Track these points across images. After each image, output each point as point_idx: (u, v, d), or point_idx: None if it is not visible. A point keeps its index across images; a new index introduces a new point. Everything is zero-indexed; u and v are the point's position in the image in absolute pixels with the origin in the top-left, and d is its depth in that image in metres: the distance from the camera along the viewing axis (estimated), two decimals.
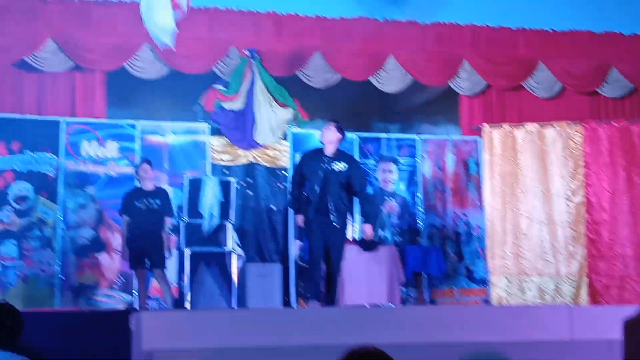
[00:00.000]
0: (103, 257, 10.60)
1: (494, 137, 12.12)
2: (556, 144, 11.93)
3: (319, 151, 8.39)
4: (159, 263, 9.34)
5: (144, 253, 9.33)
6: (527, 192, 11.92)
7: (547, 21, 12.57)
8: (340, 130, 8.36)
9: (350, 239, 11.08)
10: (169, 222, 9.55)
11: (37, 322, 6.44)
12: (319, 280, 8.18)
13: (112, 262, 10.60)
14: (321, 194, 8.09)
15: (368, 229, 8.32)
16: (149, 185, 9.56)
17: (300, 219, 8.24)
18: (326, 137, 8.33)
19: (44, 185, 10.52)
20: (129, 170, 10.74)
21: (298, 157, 8.60)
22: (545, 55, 12.61)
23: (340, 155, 8.34)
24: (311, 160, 8.32)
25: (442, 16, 12.30)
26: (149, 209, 9.40)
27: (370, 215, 8.83)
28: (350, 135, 11.96)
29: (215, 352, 5.46)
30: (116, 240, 10.49)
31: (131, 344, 5.67)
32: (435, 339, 6.11)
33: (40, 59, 10.86)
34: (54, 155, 10.59)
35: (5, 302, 4.50)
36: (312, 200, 8.11)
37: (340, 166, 8.20)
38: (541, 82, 12.64)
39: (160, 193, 9.67)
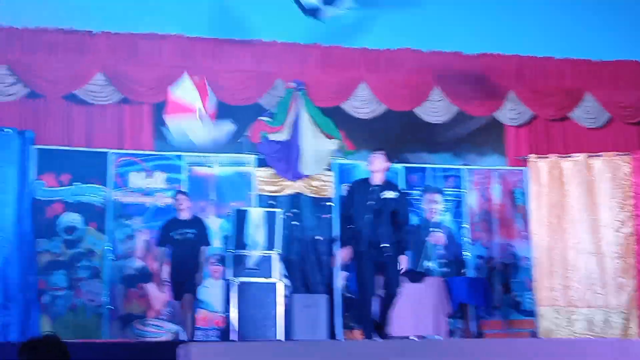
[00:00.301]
0: (150, 288, 10.68)
1: (540, 167, 12.04)
2: (604, 174, 11.82)
3: (367, 181, 8.36)
4: (190, 289, 9.59)
5: (184, 282, 9.51)
6: (575, 223, 11.80)
7: (593, 51, 12.49)
8: (389, 158, 8.37)
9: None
10: (204, 251, 9.76)
11: (85, 353, 6.50)
12: (370, 315, 8.10)
13: (159, 293, 10.67)
14: (373, 224, 8.03)
15: (404, 260, 8.26)
16: (185, 215, 9.82)
17: (346, 253, 8.17)
18: (375, 165, 8.30)
19: (93, 216, 10.64)
20: None
21: (345, 188, 8.71)
22: (592, 85, 12.54)
23: (388, 184, 8.34)
24: (360, 189, 8.27)
25: (487, 47, 12.28)
26: (184, 239, 9.64)
27: (409, 247, 8.76)
28: (396, 165, 11.97)
29: None
30: (163, 270, 10.56)
31: None
32: None
33: (89, 92, 11.02)
34: (102, 187, 10.72)
35: (53, 334, 4.49)
36: (362, 231, 8.04)
37: (391, 194, 8.18)
38: (588, 112, 12.56)
39: (196, 222, 9.88)
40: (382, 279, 8.13)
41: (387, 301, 8.13)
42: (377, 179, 8.27)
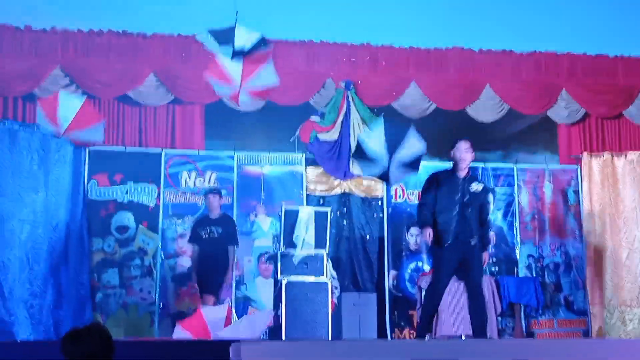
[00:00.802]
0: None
1: (593, 165, 11.92)
2: None
3: (452, 172, 7.87)
4: (214, 290, 9.57)
5: (209, 281, 9.58)
6: (628, 221, 11.66)
7: None
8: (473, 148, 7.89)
9: None
10: (232, 250, 9.75)
11: (136, 351, 6.57)
12: (434, 314, 7.94)
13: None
14: (460, 217, 7.63)
15: (486, 257, 7.89)
16: (215, 214, 9.83)
17: (429, 233, 7.61)
18: (463, 156, 7.80)
19: (145, 215, 10.79)
20: (227, 200, 10.95)
21: (424, 180, 8.06)
22: None
23: (473, 176, 7.96)
24: (445, 181, 7.81)
25: (539, 45, 12.19)
26: (210, 238, 9.67)
27: (490, 243, 8.22)
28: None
29: None
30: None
31: None
32: None
33: (141, 93, 11.17)
34: (154, 186, 10.86)
35: (96, 323, 4.43)
36: (449, 224, 7.63)
37: (478, 187, 7.78)
38: None
39: (224, 221, 9.86)
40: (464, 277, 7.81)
41: (478, 300, 7.72)
42: (464, 171, 7.80)
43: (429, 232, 7.60)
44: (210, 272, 9.60)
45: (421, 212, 7.81)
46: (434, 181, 7.91)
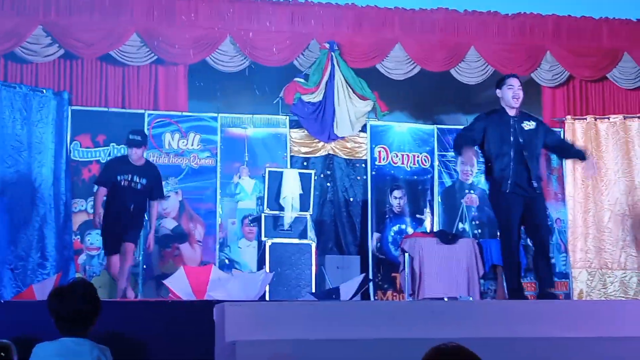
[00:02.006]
0: (185, 248, 10.77)
1: (576, 129, 11.94)
2: None
3: (501, 112, 7.23)
4: (132, 238, 8.98)
5: (120, 234, 8.94)
6: (610, 184, 11.72)
7: (631, 11, 12.32)
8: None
9: (428, 232, 11.09)
10: (155, 205, 9.18)
11: (120, 312, 6.58)
12: (519, 269, 7.31)
13: (193, 253, 10.77)
14: (516, 162, 7.03)
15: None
16: (138, 162, 9.03)
17: (470, 153, 6.99)
18: (516, 93, 7.18)
19: None
20: (211, 162, 10.94)
21: (474, 118, 7.40)
22: (630, 46, 12.37)
23: (523, 114, 7.29)
24: (495, 122, 7.16)
25: (524, 6, 12.16)
26: (130, 187, 8.94)
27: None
28: (430, 127, 11.95)
29: (295, 343, 5.51)
30: (198, 231, 10.70)
31: (214, 335, 5.76)
32: (514, 334, 6.05)
33: (124, 53, 11.08)
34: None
35: (81, 279, 4.35)
36: (505, 170, 7.03)
37: (531, 125, 7.17)
38: (625, 73, 12.40)
39: (148, 171, 9.11)
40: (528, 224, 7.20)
41: (545, 253, 7.22)
42: (514, 110, 7.19)
43: (470, 153, 7.01)
44: (126, 224, 8.94)
45: (459, 137, 7.27)
46: (482, 120, 7.27)
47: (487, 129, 7.16)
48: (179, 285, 8.55)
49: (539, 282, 7.33)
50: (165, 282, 8.87)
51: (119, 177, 8.90)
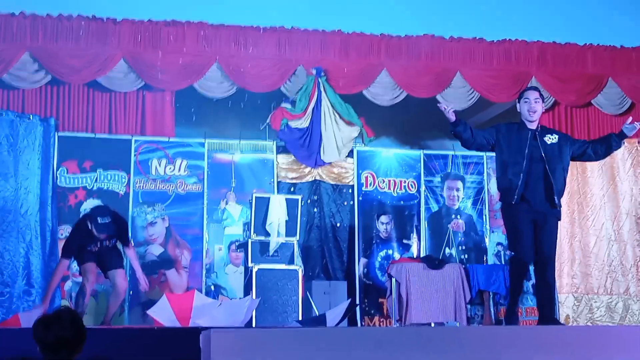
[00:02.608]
0: (171, 274, 10.75)
1: None
2: (626, 161, 11.78)
3: (520, 124, 7.09)
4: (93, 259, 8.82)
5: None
6: (596, 210, 11.77)
7: (615, 37, 12.44)
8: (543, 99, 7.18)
9: (415, 257, 11.10)
10: (129, 250, 9.03)
11: (106, 339, 6.55)
12: (525, 282, 7.26)
13: (180, 279, 10.75)
14: (527, 175, 6.90)
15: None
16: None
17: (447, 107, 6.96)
18: (533, 106, 7.04)
19: (115, 203, 10.68)
20: (198, 188, 10.95)
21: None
22: (615, 72, 12.47)
23: (545, 128, 7.18)
24: (511, 132, 7.04)
25: (509, 33, 12.26)
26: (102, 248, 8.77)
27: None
28: (416, 152, 11.99)
29: None
30: (184, 257, 10.70)
31: None
32: (501, 359, 6.06)
33: (111, 79, 11.09)
34: (124, 173, 10.81)
35: (66, 308, 4.35)
36: (513, 181, 6.90)
37: (553, 139, 7.01)
38: (610, 98, 12.50)
39: (116, 229, 8.73)
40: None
41: (542, 270, 7.07)
42: (534, 124, 7.04)
43: (447, 107, 7.02)
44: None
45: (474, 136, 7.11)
46: (497, 127, 7.17)
47: (500, 136, 7.06)
48: (163, 314, 8.54)
49: (539, 307, 7.24)
50: (149, 312, 8.85)
51: (87, 248, 8.71)
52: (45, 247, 9.82)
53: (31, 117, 10.13)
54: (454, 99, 12.11)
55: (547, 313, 7.16)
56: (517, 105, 7.15)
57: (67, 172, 10.63)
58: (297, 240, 10.43)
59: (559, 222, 7.25)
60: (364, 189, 11.59)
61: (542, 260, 7.05)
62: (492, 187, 11.91)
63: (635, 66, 12.56)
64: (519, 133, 7.01)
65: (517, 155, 6.93)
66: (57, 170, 10.44)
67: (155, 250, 10.77)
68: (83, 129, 11.03)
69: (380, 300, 11.23)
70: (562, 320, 11.46)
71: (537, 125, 7.05)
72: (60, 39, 10.93)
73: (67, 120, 11.00)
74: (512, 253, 7.14)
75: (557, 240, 11.23)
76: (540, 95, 7.17)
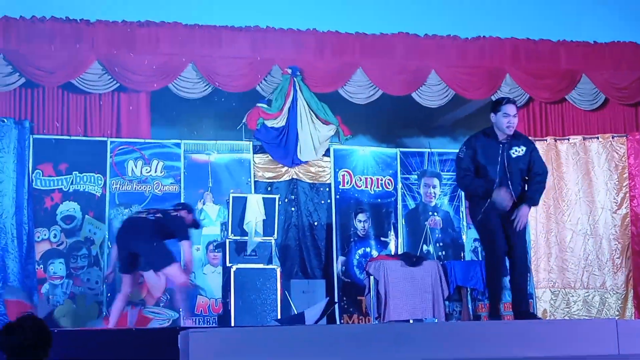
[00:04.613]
0: (149, 275, 10.68)
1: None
2: (600, 156, 11.85)
3: (491, 135, 7.17)
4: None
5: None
6: (572, 204, 11.84)
7: (589, 33, 12.52)
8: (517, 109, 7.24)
9: (393, 254, 11.13)
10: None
11: (84, 341, 6.55)
12: (500, 288, 7.38)
13: (158, 280, 10.69)
14: (501, 183, 7.00)
15: (524, 214, 7.07)
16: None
17: (506, 196, 6.96)
18: (509, 122, 7.09)
19: (91, 205, 10.69)
20: (174, 188, 10.93)
21: (463, 145, 7.29)
22: (588, 67, 12.55)
23: (516, 138, 7.21)
24: (484, 146, 7.13)
25: (483, 30, 12.31)
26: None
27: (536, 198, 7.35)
28: (393, 150, 12.02)
29: None
30: None
31: None
32: (479, 355, 6.09)
33: (86, 81, 11.05)
34: (100, 175, 10.76)
35: (29, 314, 4.35)
36: (488, 191, 7.02)
37: (519, 152, 7.12)
38: (584, 94, 12.58)
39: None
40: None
41: (516, 271, 7.28)
42: (505, 135, 7.14)
43: (502, 193, 6.95)
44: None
45: (465, 186, 7.26)
46: (471, 147, 7.19)
47: (476, 154, 7.14)
48: None
49: (514, 302, 7.41)
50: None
51: None
52: (22, 250, 9.77)
53: (5, 120, 10.07)
54: (430, 96, 12.17)
55: (524, 307, 7.37)
56: (492, 115, 7.16)
57: (42, 175, 10.57)
58: (275, 240, 10.43)
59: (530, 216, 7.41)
60: (341, 187, 11.60)
61: (517, 263, 7.25)
62: None
63: (609, 62, 12.65)
64: (490, 144, 7.10)
65: (489, 166, 7.06)
66: (32, 173, 10.38)
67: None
68: (58, 132, 10.97)
69: (358, 298, 11.24)
70: (539, 315, 11.53)
71: (508, 136, 7.13)
72: (34, 41, 10.87)
73: (42, 123, 10.94)
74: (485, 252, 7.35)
75: (533, 236, 11.47)
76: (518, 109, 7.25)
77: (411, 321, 9.73)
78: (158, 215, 9.26)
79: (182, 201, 10.27)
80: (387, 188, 11.79)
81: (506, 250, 7.15)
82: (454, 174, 11.87)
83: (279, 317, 9.78)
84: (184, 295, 9.33)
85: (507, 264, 7.35)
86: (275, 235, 10.44)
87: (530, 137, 11.94)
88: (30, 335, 4.12)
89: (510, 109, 7.10)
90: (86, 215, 10.64)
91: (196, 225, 9.44)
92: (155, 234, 9.10)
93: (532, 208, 11.31)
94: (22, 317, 4.22)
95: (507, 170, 7.05)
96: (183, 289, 8.87)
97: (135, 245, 9.05)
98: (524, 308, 7.39)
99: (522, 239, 7.29)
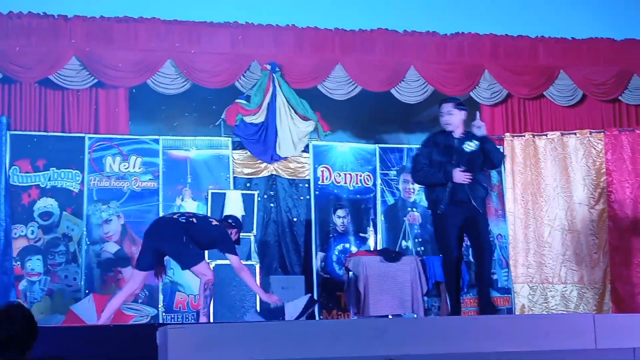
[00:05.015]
0: (127, 272, 10.66)
1: (515, 146, 12.11)
2: (578, 152, 11.90)
3: (446, 133, 7.64)
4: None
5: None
6: (550, 200, 11.89)
7: (567, 29, 12.59)
8: (463, 107, 7.71)
9: (372, 250, 11.14)
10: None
11: (63, 338, 6.51)
12: (458, 285, 7.73)
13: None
14: (454, 183, 7.43)
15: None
16: None
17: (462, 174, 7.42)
18: (445, 119, 7.60)
19: (69, 201, 10.63)
20: (153, 185, 10.89)
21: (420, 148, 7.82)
22: (566, 64, 12.61)
23: (468, 134, 7.64)
24: (439, 144, 7.59)
25: (462, 27, 12.34)
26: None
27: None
28: (372, 146, 12.03)
29: None
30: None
31: (157, 358, 5.72)
32: (458, 350, 6.11)
33: (63, 77, 10.99)
34: (78, 171, 10.71)
35: (15, 302, 4.22)
36: (442, 191, 7.46)
37: (471, 146, 7.55)
38: (562, 90, 12.64)
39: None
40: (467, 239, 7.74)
41: (486, 267, 7.63)
42: (458, 131, 7.60)
43: (458, 171, 7.41)
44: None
45: (417, 175, 7.73)
46: (428, 146, 7.71)
47: (432, 153, 7.57)
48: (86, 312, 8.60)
49: (479, 297, 7.74)
50: (72, 307, 8.87)
51: None
52: None
53: None
54: (408, 92, 12.19)
55: (486, 302, 7.75)
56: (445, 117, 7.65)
57: (19, 171, 10.50)
58: (254, 236, 10.43)
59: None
60: (320, 183, 11.60)
61: (481, 259, 7.63)
62: None
63: (586, 58, 12.71)
64: (445, 142, 7.59)
65: (444, 165, 7.50)
66: (9, 169, 10.32)
67: (111, 248, 10.68)
68: (35, 128, 10.90)
69: (338, 293, 11.25)
70: (517, 310, 11.60)
71: (461, 132, 7.58)
72: (11, 37, 10.80)
73: (19, 119, 10.87)
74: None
75: (511, 231, 11.53)
76: (458, 105, 7.68)
77: (390, 316, 9.77)
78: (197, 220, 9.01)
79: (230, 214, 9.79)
80: (366, 184, 11.80)
81: (457, 256, 7.58)
82: None
83: (258, 313, 9.77)
84: (208, 292, 9.11)
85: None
86: (254, 231, 10.43)
87: (508, 133, 12.14)
88: (17, 326, 4.03)
89: (444, 107, 7.61)
90: (64, 212, 10.58)
91: (238, 242, 9.19)
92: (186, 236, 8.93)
93: (510, 202, 11.53)
94: (9, 306, 4.12)
95: (461, 160, 7.46)
96: (209, 285, 8.79)
97: (164, 243, 8.91)
98: (486, 299, 7.77)
99: (485, 239, 7.70)
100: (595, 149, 11.85)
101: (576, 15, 12.50)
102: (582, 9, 12.53)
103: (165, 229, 8.74)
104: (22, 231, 10.40)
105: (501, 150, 8.11)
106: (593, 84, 12.67)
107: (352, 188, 11.73)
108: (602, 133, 11.93)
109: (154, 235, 8.76)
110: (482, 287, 7.76)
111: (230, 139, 11.42)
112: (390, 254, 10.46)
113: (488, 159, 7.64)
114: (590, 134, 11.96)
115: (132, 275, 9.12)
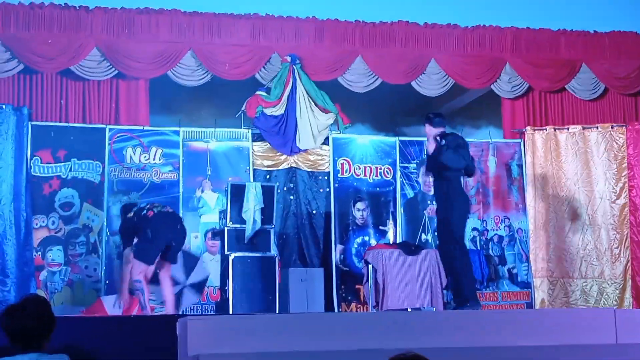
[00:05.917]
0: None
1: (536, 139, 12.06)
2: (599, 146, 11.84)
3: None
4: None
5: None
6: (571, 194, 11.84)
7: (589, 22, 12.51)
8: (438, 123, 8.59)
9: (391, 243, 11.12)
10: None
11: (82, 328, 6.54)
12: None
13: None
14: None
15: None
16: None
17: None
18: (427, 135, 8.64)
19: (90, 192, 10.67)
20: (173, 176, 10.91)
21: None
22: (588, 57, 12.55)
23: (439, 147, 8.53)
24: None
25: (483, 19, 12.29)
26: None
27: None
28: (392, 139, 12.01)
29: (258, 356, 5.52)
30: None
31: (177, 348, 5.74)
32: (477, 343, 6.10)
33: (85, 68, 11.03)
34: (98, 162, 10.74)
35: (34, 295, 4.29)
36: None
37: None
38: (584, 83, 12.58)
39: None
40: None
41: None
42: (431, 146, 8.53)
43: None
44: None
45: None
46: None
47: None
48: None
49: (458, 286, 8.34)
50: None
51: None
52: (20, 237, 9.76)
53: (4, 107, 10.05)
54: (429, 85, 12.16)
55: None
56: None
57: (41, 162, 10.54)
58: (273, 228, 10.42)
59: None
60: (339, 175, 11.58)
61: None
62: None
63: (608, 51, 12.64)
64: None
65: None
66: (30, 159, 10.36)
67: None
68: (57, 119, 10.95)
69: (356, 286, 11.24)
70: (537, 304, 11.56)
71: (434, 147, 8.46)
72: (33, 28, 10.86)
73: (41, 110, 10.91)
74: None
75: (532, 225, 11.53)
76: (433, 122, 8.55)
77: (409, 310, 9.74)
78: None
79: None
80: (386, 177, 11.78)
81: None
82: None
83: (277, 305, 9.80)
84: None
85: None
86: (274, 223, 10.43)
87: (529, 127, 12.09)
88: (33, 318, 4.07)
89: (426, 127, 8.66)
90: (84, 203, 10.62)
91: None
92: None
93: (530, 196, 11.57)
94: (25, 299, 4.17)
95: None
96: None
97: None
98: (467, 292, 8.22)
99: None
100: (616, 143, 11.79)
101: (598, 8, 12.44)
102: (604, 1, 12.47)
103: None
104: (43, 222, 10.45)
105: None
106: (615, 78, 12.60)
107: (371, 181, 11.71)
108: (623, 127, 11.86)
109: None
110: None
111: (250, 130, 11.43)
112: (410, 247, 10.43)
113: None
114: (612, 127, 11.90)
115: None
